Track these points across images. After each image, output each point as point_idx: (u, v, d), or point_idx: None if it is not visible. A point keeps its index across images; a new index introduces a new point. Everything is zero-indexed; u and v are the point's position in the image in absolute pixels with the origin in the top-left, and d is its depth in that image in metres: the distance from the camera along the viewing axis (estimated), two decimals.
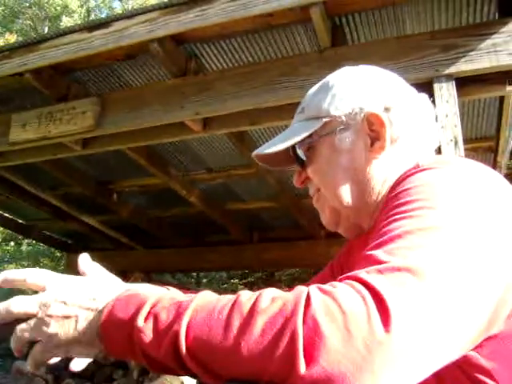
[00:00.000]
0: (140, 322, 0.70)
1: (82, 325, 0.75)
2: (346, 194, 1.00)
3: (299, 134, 1.01)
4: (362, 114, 0.98)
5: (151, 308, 0.71)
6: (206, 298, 0.71)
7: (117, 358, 0.78)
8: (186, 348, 0.66)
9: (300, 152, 1.03)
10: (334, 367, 0.57)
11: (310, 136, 1.01)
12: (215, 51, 3.48)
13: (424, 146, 1.02)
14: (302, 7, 2.83)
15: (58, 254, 13.12)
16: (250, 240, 6.77)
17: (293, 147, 1.03)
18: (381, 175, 0.98)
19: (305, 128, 1.02)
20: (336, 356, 0.57)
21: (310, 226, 5.98)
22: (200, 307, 0.68)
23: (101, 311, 0.74)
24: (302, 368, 0.58)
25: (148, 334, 0.69)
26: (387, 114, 0.97)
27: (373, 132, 0.98)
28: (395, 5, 2.96)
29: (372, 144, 0.98)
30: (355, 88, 1.01)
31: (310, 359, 0.58)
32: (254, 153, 1.07)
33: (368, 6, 2.96)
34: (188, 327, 0.66)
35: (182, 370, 0.69)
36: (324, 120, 1.00)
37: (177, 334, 0.66)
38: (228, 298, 0.68)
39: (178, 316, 0.68)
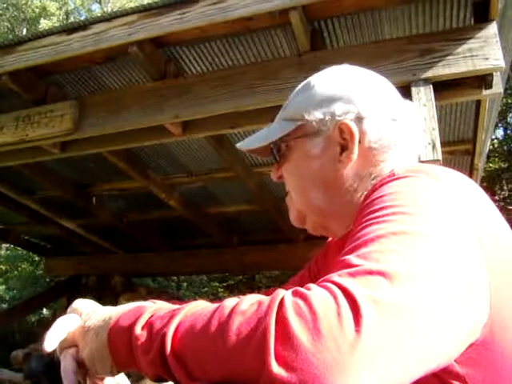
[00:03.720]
0: (137, 329, 0.75)
1: (97, 334, 0.83)
2: (312, 199, 1.01)
3: (274, 133, 1.03)
4: (334, 122, 0.97)
5: (149, 317, 0.76)
6: (196, 305, 0.75)
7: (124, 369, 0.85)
8: (171, 348, 0.69)
9: (275, 151, 1.05)
10: (304, 367, 0.57)
11: (286, 135, 1.02)
12: (195, 54, 3.48)
13: (404, 155, 1.00)
14: (282, 11, 2.85)
15: (37, 259, 12.98)
16: (230, 243, 6.76)
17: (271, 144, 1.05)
18: (351, 184, 0.98)
19: (280, 128, 1.03)
20: (306, 355, 0.58)
21: (289, 228, 5.99)
22: (190, 312, 0.72)
23: (109, 323, 0.82)
24: (273, 367, 0.58)
25: (142, 340, 0.74)
26: (360, 124, 0.96)
27: (344, 140, 0.97)
28: (373, 10, 2.99)
29: (341, 153, 0.98)
30: (331, 93, 1.00)
31: (280, 359, 0.58)
32: (238, 145, 1.10)
33: (346, 11, 2.99)
34: (176, 330, 0.70)
35: (166, 373, 0.72)
36: (298, 123, 1.01)
37: (164, 336, 0.70)
38: (216, 304, 0.71)
39: (169, 321, 0.72)
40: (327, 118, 0.98)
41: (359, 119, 0.97)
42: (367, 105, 0.98)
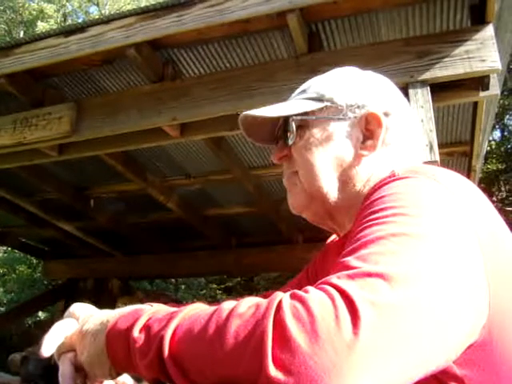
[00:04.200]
0: (135, 332, 0.75)
1: (95, 338, 0.83)
2: (326, 181, 1.00)
3: (297, 107, 1.02)
4: (363, 111, 0.99)
5: (147, 320, 0.76)
6: (195, 308, 0.75)
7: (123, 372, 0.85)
8: (169, 351, 0.69)
9: (294, 125, 1.02)
10: (301, 370, 0.57)
11: (305, 114, 1.01)
12: (192, 57, 3.49)
13: (409, 156, 1.03)
14: (279, 14, 2.85)
15: (35, 261, 12.96)
16: (229, 245, 6.75)
17: (286, 120, 1.03)
18: (365, 174, 0.99)
19: (304, 105, 1.02)
20: (303, 358, 0.57)
21: (288, 230, 5.99)
22: (188, 315, 0.72)
23: (107, 325, 0.82)
24: (271, 370, 0.58)
25: (140, 343, 0.74)
26: (386, 119, 0.99)
27: (367, 131, 0.99)
28: (370, 12, 3.00)
29: (363, 142, 0.99)
30: (362, 85, 1.03)
31: (277, 361, 0.58)
32: (244, 113, 1.05)
33: (344, 13, 2.99)
34: (173, 332, 0.70)
35: (164, 376, 0.71)
36: (325, 104, 1.01)
37: (162, 339, 0.70)
38: (214, 307, 0.71)
39: (167, 324, 0.72)
40: (358, 105, 1.00)
41: (386, 114, 1.00)
42: (393, 104, 1.02)
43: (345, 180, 0.99)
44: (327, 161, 1.00)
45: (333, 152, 1.00)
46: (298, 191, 1.05)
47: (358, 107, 1.00)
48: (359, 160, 0.99)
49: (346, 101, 1.00)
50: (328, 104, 1.01)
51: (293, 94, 1.10)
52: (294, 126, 1.02)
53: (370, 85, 1.04)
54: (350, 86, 1.03)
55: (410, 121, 1.05)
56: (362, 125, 0.99)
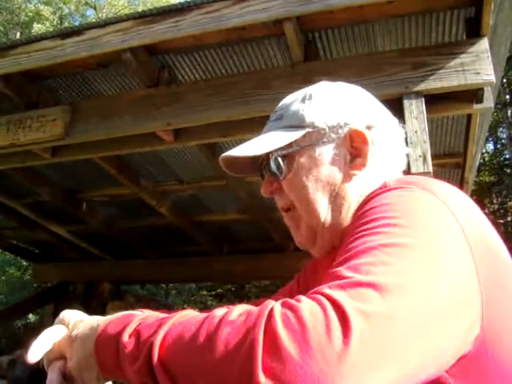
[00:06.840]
0: (125, 337, 0.75)
1: (84, 342, 0.83)
2: (323, 210, 0.97)
3: (279, 141, 0.97)
4: (346, 130, 0.96)
5: (137, 325, 0.76)
6: (185, 314, 0.75)
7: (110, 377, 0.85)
8: (158, 357, 0.69)
9: (280, 160, 0.99)
10: (291, 379, 0.57)
11: (288, 145, 0.98)
12: (188, 62, 3.49)
13: (395, 166, 1.02)
14: (276, 22, 2.86)
15: (25, 264, 12.90)
16: (220, 252, 6.74)
17: (268, 154, 1.00)
18: (357, 192, 0.97)
19: (285, 136, 0.98)
20: (293, 367, 0.57)
21: (279, 238, 5.98)
22: (178, 322, 0.72)
23: (97, 330, 0.82)
24: (261, 379, 0.58)
25: (129, 348, 0.74)
26: (370, 133, 0.97)
27: (353, 149, 0.97)
28: (367, 22, 3.01)
29: (352, 161, 0.97)
30: (340, 102, 0.99)
31: (267, 370, 0.58)
32: (227, 153, 1.02)
33: (340, 23, 3.01)
34: (163, 338, 0.70)
35: (153, 382, 0.71)
36: (307, 130, 0.97)
37: (152, 345, 0.70)
38: (205, 314, 0.71)
39: (157, 330, 0.72)
40: (340, 125, 0.97)
41: (369, 128, 0.97)
42: (374, 116, 1.00)
43: (340, 203, 0.97)
44: (319, 188, 0.97)
45: (323, 178, 0.97)
46: (303, 225, 1.02)
47: (341, 127, 0.97)
48: (350, 179, 0.97)
49: (326, 123, 0.97)
50: (309, 130, 0.97)
51: (269, 121, 1.06)
52: (280, 160, 0.99)
53: (347, 100, 1.00)
54: (327, 105, 0.99)
55: (393, 129, 1.03)
56: (347, 143, 0.97)
